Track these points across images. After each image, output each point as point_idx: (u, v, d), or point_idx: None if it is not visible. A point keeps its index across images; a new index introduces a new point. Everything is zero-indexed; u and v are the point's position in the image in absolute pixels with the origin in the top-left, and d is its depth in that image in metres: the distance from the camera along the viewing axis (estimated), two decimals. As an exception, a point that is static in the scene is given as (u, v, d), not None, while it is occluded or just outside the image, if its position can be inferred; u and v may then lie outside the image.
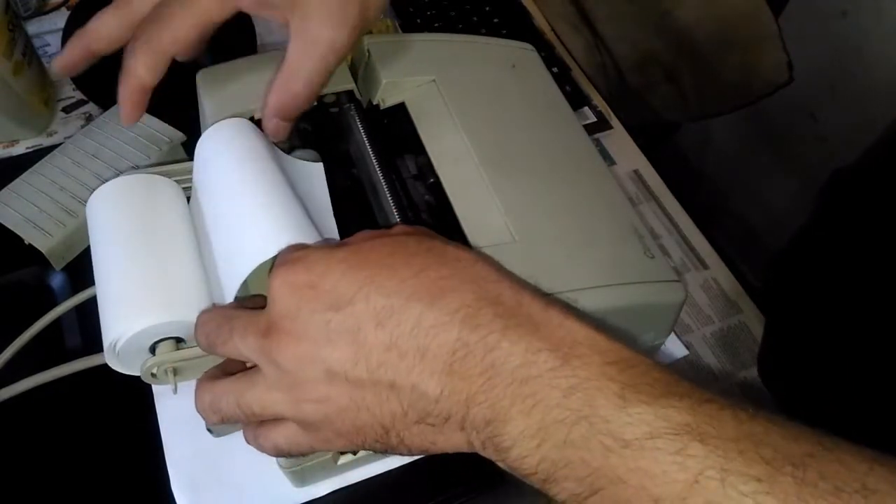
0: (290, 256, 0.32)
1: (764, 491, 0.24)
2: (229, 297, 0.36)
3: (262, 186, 0.38)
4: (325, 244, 0.34)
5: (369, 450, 0.32)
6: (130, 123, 0.40)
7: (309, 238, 0.35)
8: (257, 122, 0.42)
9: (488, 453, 0.28)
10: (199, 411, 0.34)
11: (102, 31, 0.39)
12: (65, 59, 0.40)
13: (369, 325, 0.29)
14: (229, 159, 0.40)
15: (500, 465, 0.28)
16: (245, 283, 0.36)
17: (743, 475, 0.24)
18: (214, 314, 0.35)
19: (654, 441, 0.25)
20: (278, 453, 0.34)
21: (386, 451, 0.31)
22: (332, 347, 0.29)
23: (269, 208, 0.37)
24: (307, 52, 0.38)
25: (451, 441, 0.29)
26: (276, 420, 0.33)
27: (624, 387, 0.26)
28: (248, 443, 0.35)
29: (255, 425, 0.34)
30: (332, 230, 0.39)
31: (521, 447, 0.27)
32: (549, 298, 0.30)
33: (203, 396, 0.34)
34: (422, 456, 0.44)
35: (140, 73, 0.37)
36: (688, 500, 0.24)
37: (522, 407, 0.27)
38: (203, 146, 0.41)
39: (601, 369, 0.27)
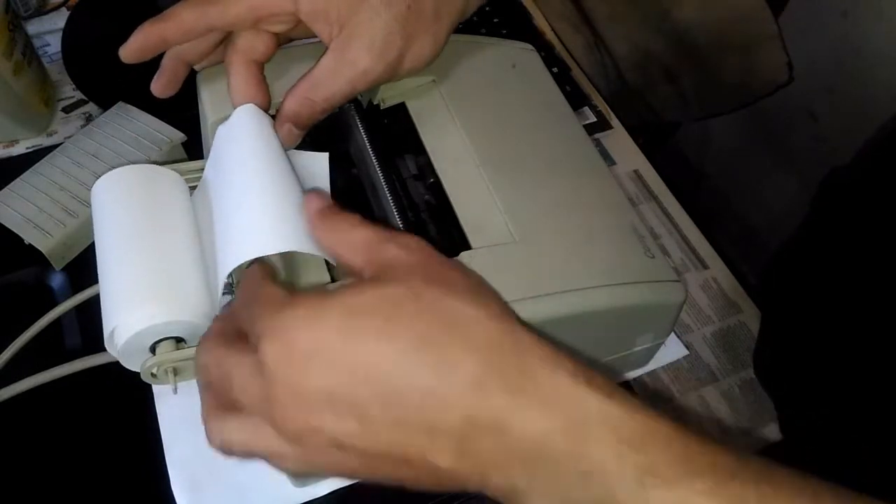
0: (278, 323, 0.29)
1: None
2: (221, 280, 0.36)
3: (275, 181, 0.38)
4: (315, 298, 0.30)
5: None
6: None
7: (299, 245, 0.35)
8: None
9: None
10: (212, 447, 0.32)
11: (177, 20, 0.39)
12: (133, 44, 0.40)
13: (375, 405, 0.28)
14: (252, 146, 0.39)
15: None
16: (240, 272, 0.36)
17: None
18: (211, 356, 0.32)
19: None
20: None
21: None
22: (337, 420, 0.28)
23: (273, 206, 0.36)
24: (338, 71, 0.38)
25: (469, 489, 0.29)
26: None
27: (642, 472, 0.26)
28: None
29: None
30: None
31: None
32: (554, 353, 0.29)
33: (213, 439, 0.32)
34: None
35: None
36: None
37: (540, 486, 0.27)
38: (231, 124, 0.41)
39: (616, 449, 0.26)
